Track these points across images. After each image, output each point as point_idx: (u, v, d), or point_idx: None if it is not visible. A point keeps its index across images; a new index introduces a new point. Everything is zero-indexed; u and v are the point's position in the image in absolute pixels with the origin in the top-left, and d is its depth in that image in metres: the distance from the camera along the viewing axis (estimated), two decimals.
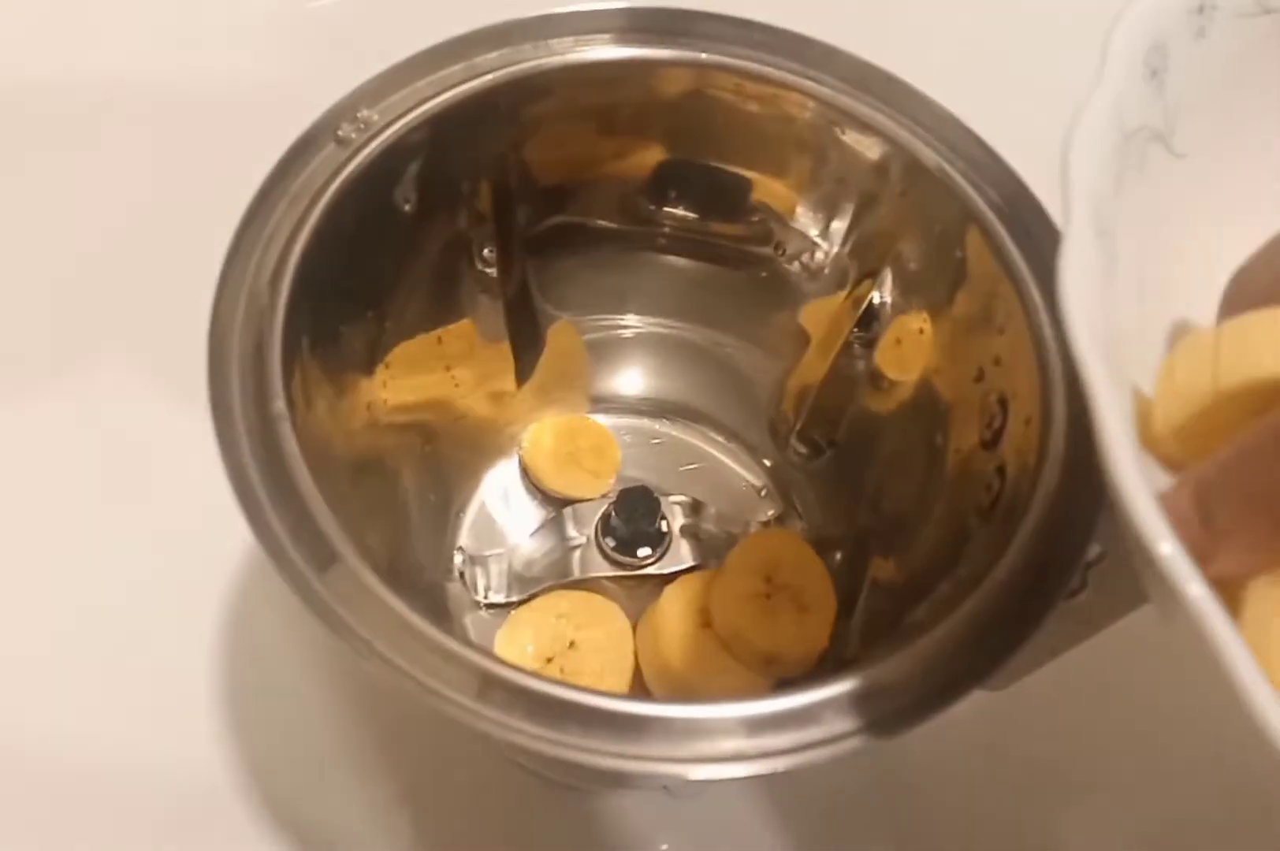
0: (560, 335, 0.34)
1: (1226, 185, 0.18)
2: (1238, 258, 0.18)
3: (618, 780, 0.30)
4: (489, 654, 0.19)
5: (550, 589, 0.32)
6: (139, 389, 0.38)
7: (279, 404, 0.20)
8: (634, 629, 0.31)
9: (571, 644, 0.30)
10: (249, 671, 0.34)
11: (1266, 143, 0.19)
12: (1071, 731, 0.36)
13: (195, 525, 0.33)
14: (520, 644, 0.30)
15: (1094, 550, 0.22)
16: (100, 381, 0.38)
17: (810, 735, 0.19)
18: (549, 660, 0.30)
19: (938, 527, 0.27)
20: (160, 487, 0.36)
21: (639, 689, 0.30)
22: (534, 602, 0.31)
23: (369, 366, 0.27)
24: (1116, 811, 0.35)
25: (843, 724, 0.19)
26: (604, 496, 0.33)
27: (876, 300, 0.29)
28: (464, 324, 0.30)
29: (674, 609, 0.30)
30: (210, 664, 0.34)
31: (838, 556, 0.31)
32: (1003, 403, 0.25)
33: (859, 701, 0.19)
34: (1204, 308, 0.18)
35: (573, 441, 0.34)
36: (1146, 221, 0.17)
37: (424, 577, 0.31)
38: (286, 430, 0.20)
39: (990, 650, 0.20)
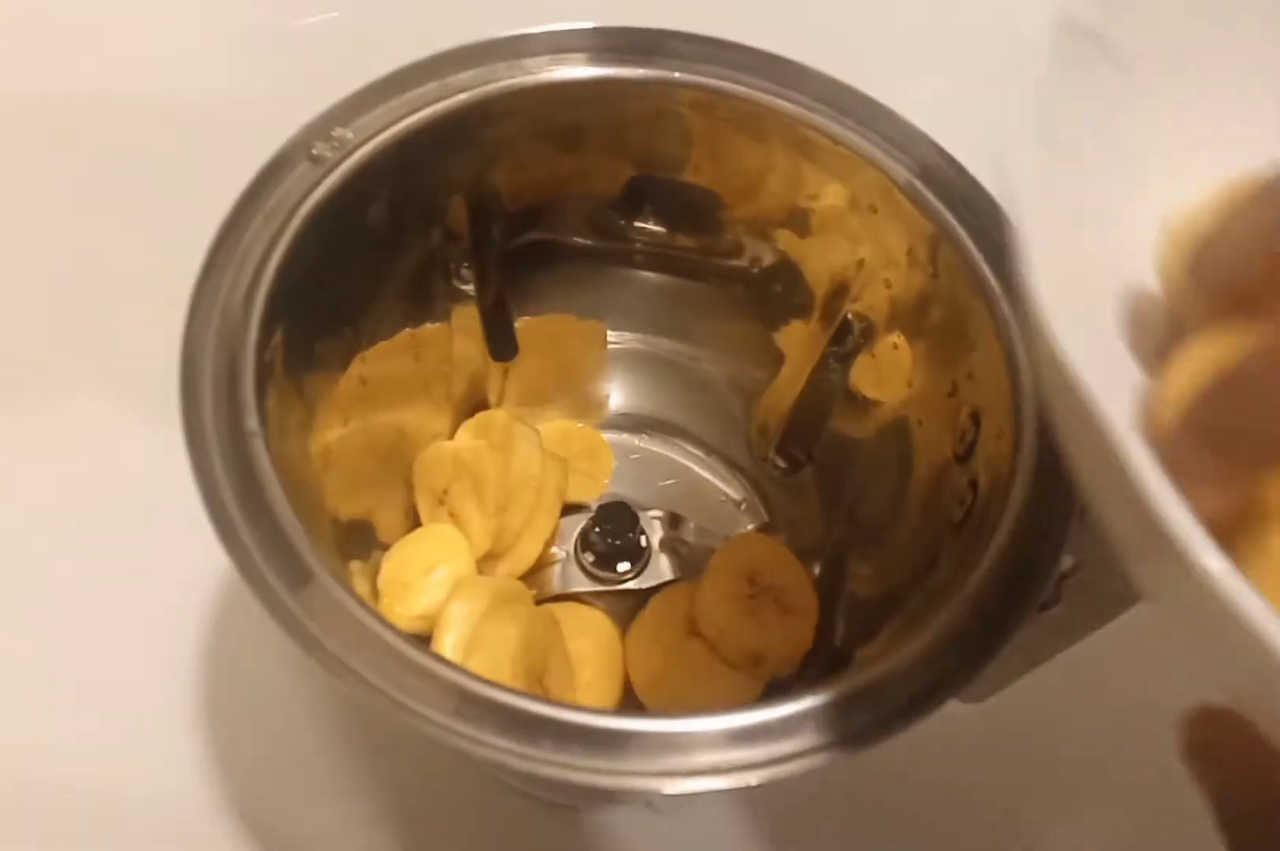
0: (560, 336, 0.34)
1: (1177, 108, 0.17)
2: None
3: (596, 795, 0.30)
4: (463, 669, 0.19)
5: None
6: (113, 410, 0.38)
7: (252, 421, 0.20)
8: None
9: None
10: (228, 690, 0.34)
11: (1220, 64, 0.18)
12: (1052, 742, 0.36)
13: (171, 547, 0.32)
14: None
15: (1067, 562, 0.22)
16: (74, 403, 0.38)
17: (786, 748, 0.19)
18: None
19: (913, 540, 0.27)
20: (135, 509, 0.35)
21: (629, 698, 0.30)
22: None
23: (345, 383, 0.27)
24: (1097, 822, 0.35)
25: (818, 736, 0.19)
26: (583, 511, 0.33)
27: (849, 316, 0.29)
28: (441, 341, 0.30)
29: (660, 619, 0.30)
30: (189, 683, 0.34)
31: (816, 568, 0.32)
32: (975, 417, 0.25)
33: (834, 714, 0.19)
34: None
35: (565, 446, 0.34)
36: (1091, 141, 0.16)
37: None
38: (259, 447, 0.20)
39: (963, 662, 0.21)
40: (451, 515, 0.30)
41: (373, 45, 0.34)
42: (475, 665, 0.27)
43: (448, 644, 0.27)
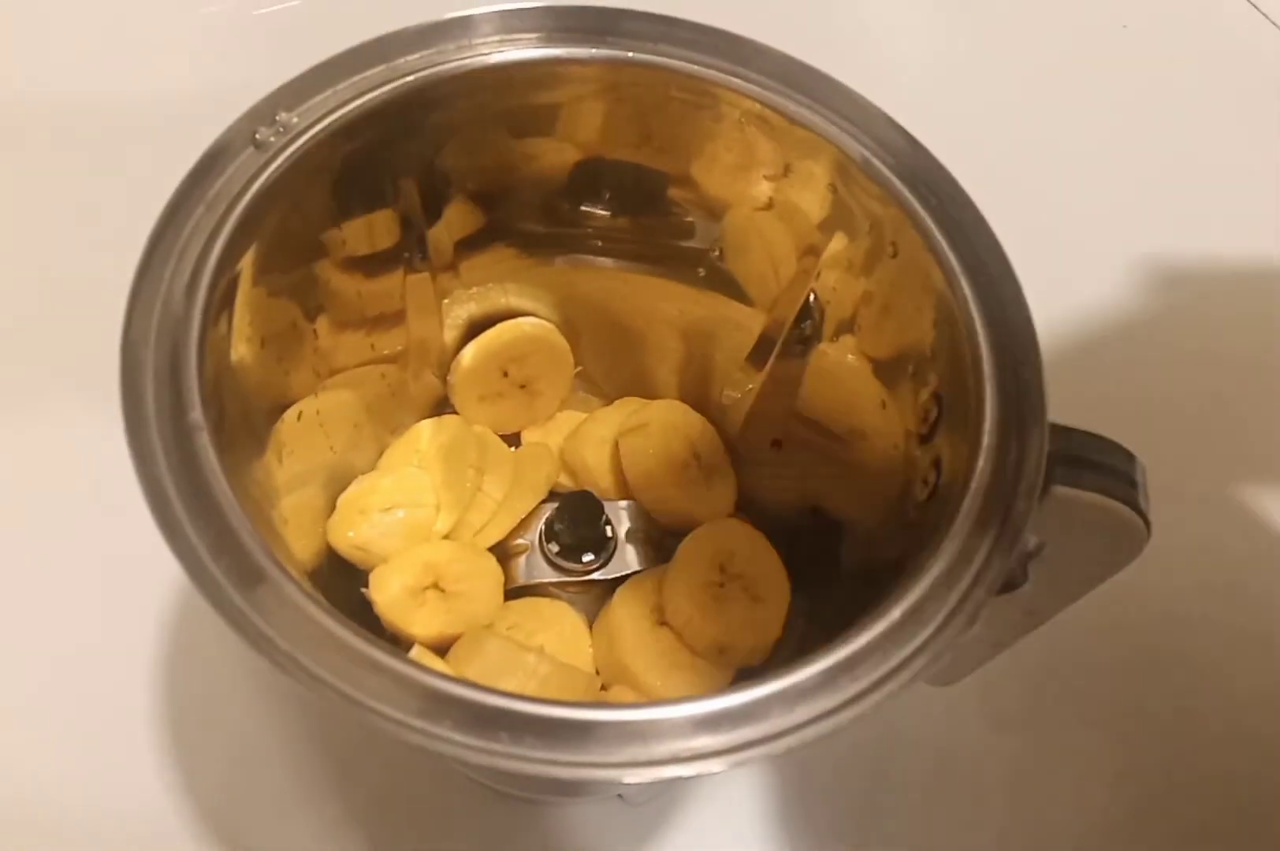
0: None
1: None
2: None
3: (562, 787, 0.30)
4: (416, 663, 0.18)
5: None
6: (61, 408, 0.37)
7: (195, 414, 0.20)
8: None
9: None
10: (191, 696, 0.34)
11: None
12: (1026, 723, 0.36)
13: (127, 550, 0.32)
14: None
15: (1033, 541, 0.22)
16: (21, 401, 0.37)
17: (750, 733, 0.19)
18: None
19: (880, 522, 0.27)
20: (89, 512, 0.35)
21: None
22: None
23: (299, 377, 0.26)
24: (1072, 802, 0.35)
25: (784, 721, 0.19)
26: (549, 500, 0.33)
27: (811, 298, 0.29)
28: (396, 330, 0.30)
29: (627, 609, 0.30)
30: (151, 690, 0.34)
31: (783, 554, 0.31)
32: (937, 397, 0.25)
33: (799, 698, 0.19)
34: None
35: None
36: None
37: (360, 590, 0.30)
38: (205, 442, 0.20)
39: (929, 643, 0.20)
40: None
41: (334, 33, 0.33)
42: None
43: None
